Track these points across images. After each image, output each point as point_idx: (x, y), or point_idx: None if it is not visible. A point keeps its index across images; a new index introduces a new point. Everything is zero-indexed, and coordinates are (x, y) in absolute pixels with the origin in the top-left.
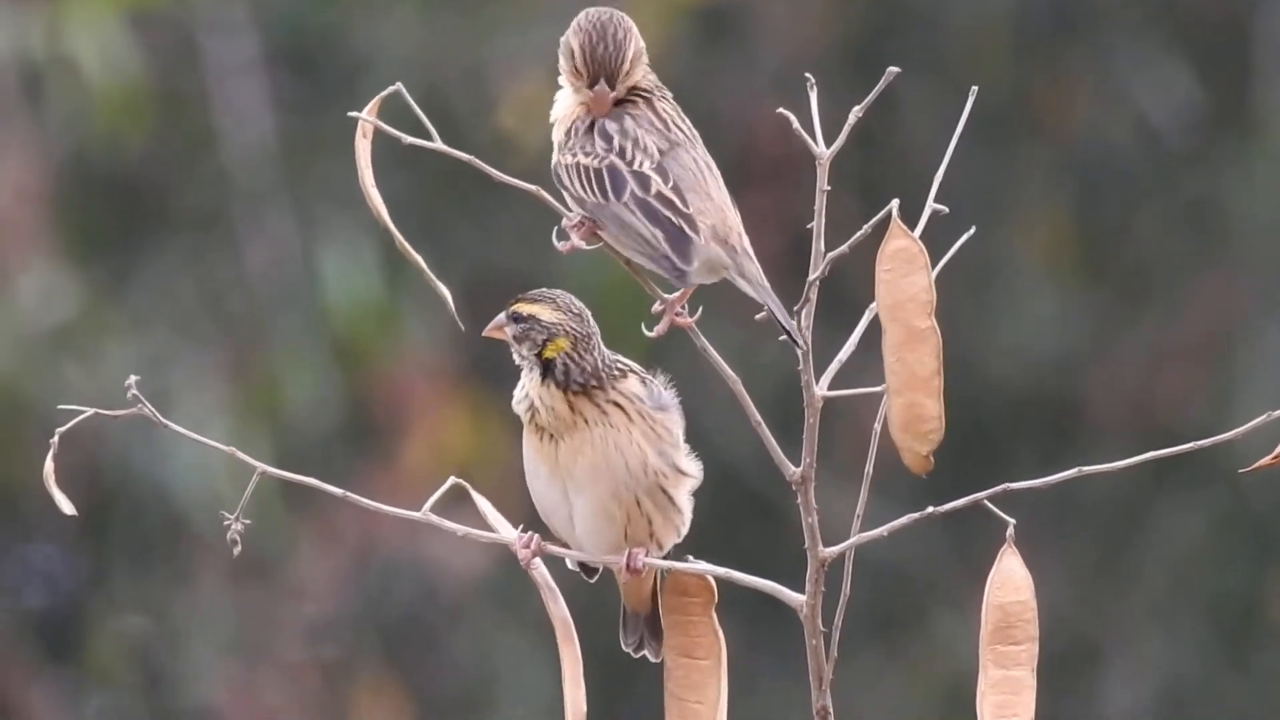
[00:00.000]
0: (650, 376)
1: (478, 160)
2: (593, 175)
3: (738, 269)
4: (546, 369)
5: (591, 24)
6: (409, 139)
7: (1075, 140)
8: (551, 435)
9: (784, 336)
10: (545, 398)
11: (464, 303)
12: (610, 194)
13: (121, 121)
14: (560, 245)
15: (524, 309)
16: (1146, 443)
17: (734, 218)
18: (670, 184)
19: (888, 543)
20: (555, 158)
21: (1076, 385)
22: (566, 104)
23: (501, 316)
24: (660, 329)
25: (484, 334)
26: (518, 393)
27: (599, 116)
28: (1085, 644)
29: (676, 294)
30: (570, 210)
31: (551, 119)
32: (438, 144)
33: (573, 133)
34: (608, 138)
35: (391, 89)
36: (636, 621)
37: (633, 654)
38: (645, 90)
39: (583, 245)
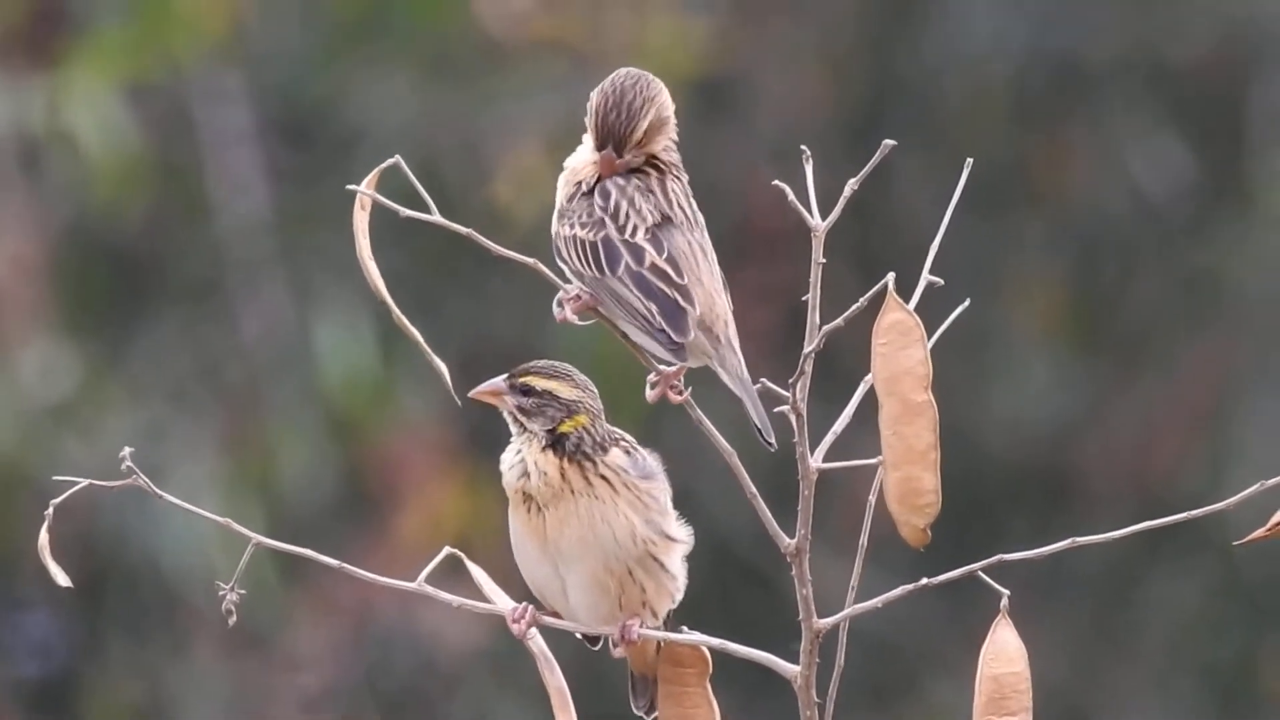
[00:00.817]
0: (635, 445)
1: (476, 234)
2: (588, 249)
3: (719, 359)
4: (557, 442)
5: (614, 87)
6: (406, 212)
7: (1071, 210)
8: (538, 506)
9: (763, 432)
10: (541, 463)
11: (460, 375)
12: (605, 268)
13: (119, 193)
14: (556, 314)
15: (537, 383)
16: (1141, 511)
17: (723, 305)
18: (665, 255)
19: (883, 613)
20: (554, 225)
21: (1072, 454)
22: (583, 157)
23: (500, 383)
24: (653, 397)
25: (473, 395)
26: (508, 458)
27: (605, 178)
28: (1080, 714)
29: (672, 369)
30: (568, 282)
31: (565, 164)
32: (435, 216)
33: (575, 196)
34: (605, 195)
35: (390, 162)
36: (645, 684)
37: (645, 717)
38: (662, 164)
39: (574, 320)
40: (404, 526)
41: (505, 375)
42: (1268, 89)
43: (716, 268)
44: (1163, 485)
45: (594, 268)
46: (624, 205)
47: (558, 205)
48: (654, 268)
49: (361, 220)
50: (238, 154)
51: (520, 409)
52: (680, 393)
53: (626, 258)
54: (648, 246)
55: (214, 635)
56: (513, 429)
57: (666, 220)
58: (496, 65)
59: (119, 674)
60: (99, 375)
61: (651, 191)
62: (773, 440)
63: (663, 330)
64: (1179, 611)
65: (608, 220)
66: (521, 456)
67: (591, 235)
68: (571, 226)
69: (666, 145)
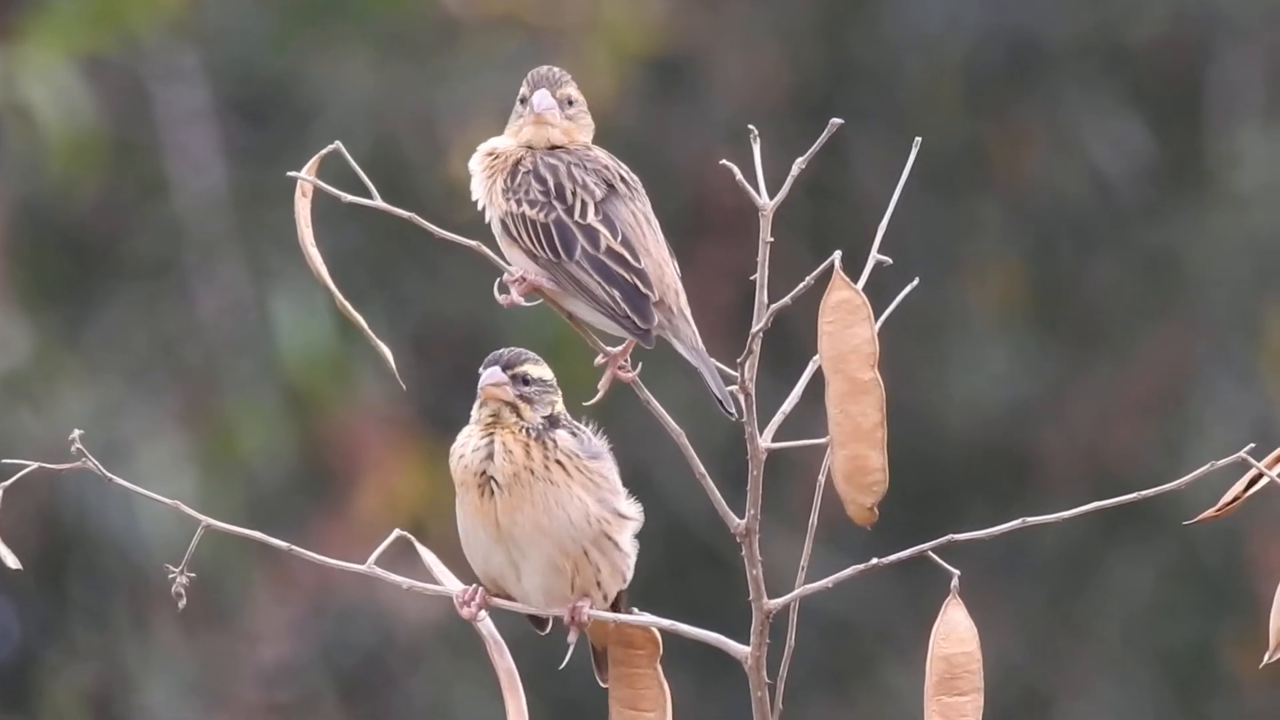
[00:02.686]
0: (579, 425)
1: (418, 217)
2: (540, 230)
3: (673, 330)
4: (550, 425)
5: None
6: (348, 197)
7: (1029, 191)
8: (491, 491)
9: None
10: (509, 443)
11: (413, 350)
12: (561, 252)
13: (75, 169)
14: (501, 299)
15: (533, 371)
16: (1098, 493)
17: (671, 274)
18: (619, 238)
19: (837, 593)
20: (500, 204)
21: (1029, 436)
22: (509, 141)
23: (503, 375)
24: (603, 384)
25: (484, 390)
26: (466, 442)
27: (537, 144)
28: (1036, 695)
29: (618, 348)
30: (510, 264)
31: (481, 148)
32: (377, 202)
33: (518, 174)
34: (543, 179)
35: (330, 148)
36: (606, 656)
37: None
38: (587, 145)
39: (521, 301)
40: (362, 502)
41: (495, 366)
42: (1225, 69)
43: (660, 234)
44: (1120, 467)
45: (549, 250)
46: (567, 184)
47: (497, 184)
48: (610, 252)
49: (304, 207)
50: (194, 131)
51: (523, 398)
52: (628, 372)
53: (582, 242)
54: (601, 228)
55: (175, 612)
56: (502, 419)
57: (611, 190)
58: (452, 42)
59: (80, 652)
60: (56, 351)
61: (589, 165)
62: (733, 410)
63: (628, 317)
64: (1135, 594)
65: (554, 202)
66: (490, 438)
67: (543, 216)
68: (520, 204)
69: (587, 131)
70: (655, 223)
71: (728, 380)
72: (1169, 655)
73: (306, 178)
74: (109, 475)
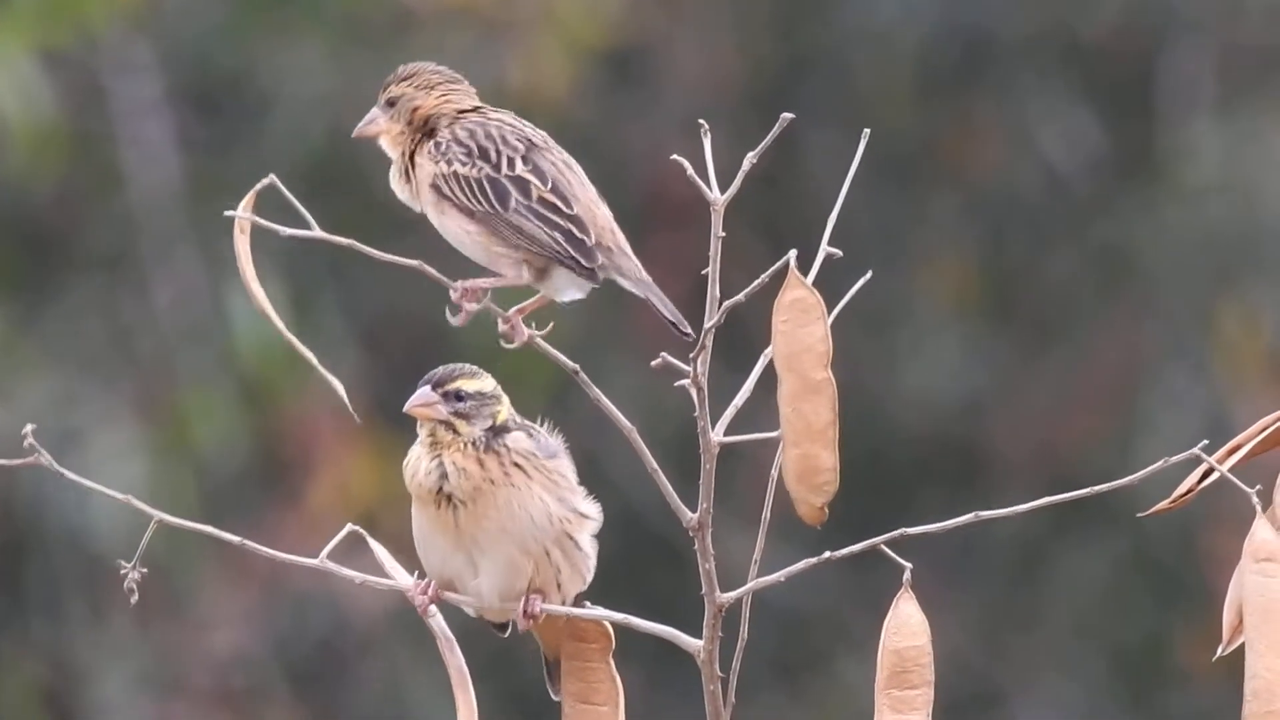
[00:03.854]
0: (533, 426)
1: (357, 244)
2: (473, 185)
3: (615, 268)
4: (496, 434)
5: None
6: (287, 231)
7: (981, 184)
8: (450, 502)
9: (678, 328)
10: (460, 461)
11: (367, 343)
12: (496, 204)
13: (35, 161)
14: (454, 320)
15: (467, 386)
16: (1051, 487)
17: (604, 215)
18: (550, 186)
19: (789, 586)
20: (429, 168)
21: (982, 429)
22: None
23: (430, 393)
24: (519, 339)
25: (409, 410)
26: (422, 464)
27: (419, 121)
28: (989, 688)
29: (516, 307)
30: (454, 284)
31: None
32: (316, 232)
33: (437, 144)
34: (463, 144)
35: (265, 182)
36: (559, 668)
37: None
38: (479, 106)
39: (474, 308)
40: (316, 494)
41: (427, 385)
42: (1176, 62)
43: (584, 178)
44: (1073, 461)
45: (485, 203)
46: (488, 145)
47: (423, 150)
48: (543, 200)
49: (243, 244)
50: (149, 123)
51: (458, 414)
52: (526, 331)
53: (515, 194)
54: (531, 178)
55: (129, 603)
56: (439, 437)
57: (531, 144)
58: (407, 33)
59: (35, 643)
60: (11, 341)
61: (500, 122)
62: (688, 330)
63: (572, 257)
64: (1087, 587)
65: (479, 161)
66: (439, 460)
67: (475, 172)
68: (450, 163)
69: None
70: (578, 167)
71: (678, 375)
72: (1121, 649)
73: (244, 215)
74: (62, 470)
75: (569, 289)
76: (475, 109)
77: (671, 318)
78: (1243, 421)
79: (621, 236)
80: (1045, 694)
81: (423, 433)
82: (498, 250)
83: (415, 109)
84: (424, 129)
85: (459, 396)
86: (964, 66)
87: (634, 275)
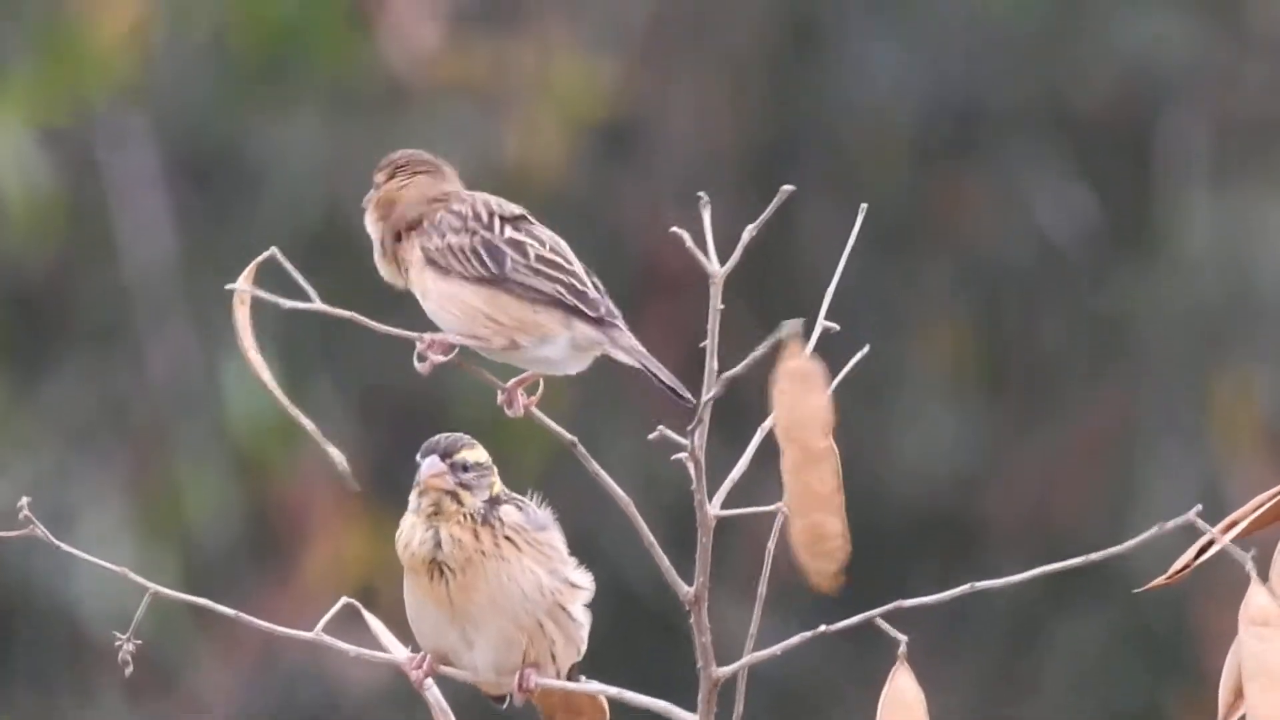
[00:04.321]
0: (522, 499)
1: (358, 316)
2: (470, 253)
3: (611, 341)
4: (492, 506)
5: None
6: (288, 303)
7: (975, 254)
8: (442, 572)
9: (675, 394)
10: (455, 532)
11: (361, 416)
12: (493, 267)
13: (32, 233)
14: (420, 367)
15: (470, 456)
16: (1044, 555)
17: (594, 286)
18: (547, 246)
19: (784, 659)
20: (423, 246)
21: (975, 499)
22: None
23: (442, 465)
24: (516, 410)
25: (425, 482)
26: (416, 534)
27: (384, 208)
28: None
29: (515, 379)
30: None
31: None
32: (317, 304)
33: (432, 220)
34: (457, 214)
35: (266, 254)
36: None
37: None
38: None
39: (440, 358)
40: (310, 568)
41: (434, 455)
42: (1171, 133)
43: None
44: (1066, 530)
45: (484, 267)
46: (482, 211)
47: (412, 236)
48: (541, 259)
49: (242, 315)
50: (144, 195)
51: (462, 485)
52: (527, 399)
53: (511, 254)
54: (528, 239)
55: (119, 677)
56: (442, 507)
57: (521, 217)
58: (402, 106)
59: (24, 717)
60: (4, 416)
61: (486, 199)
62: (689, 397)
63: (576, 308)
64: (1083, 658)
65: (474, 225)
66: (434, 530)
67: (468, 240)
68: (444, 236)
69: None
70: (564, 244)
71: (675, 448)
72: (1115, 719)
73: (244, 288)
74: (59, 543)
75: (569, 360)
76: (445, 196)
77: (670, 384)
78: (1236, 492)
79: (612, 304)
80: None
81: (424, 501)
82: (500, 319)
83: (378, 200)
84: (402, 222)
85: (464, 467)
86: (957, 137)
87: (627, 345)
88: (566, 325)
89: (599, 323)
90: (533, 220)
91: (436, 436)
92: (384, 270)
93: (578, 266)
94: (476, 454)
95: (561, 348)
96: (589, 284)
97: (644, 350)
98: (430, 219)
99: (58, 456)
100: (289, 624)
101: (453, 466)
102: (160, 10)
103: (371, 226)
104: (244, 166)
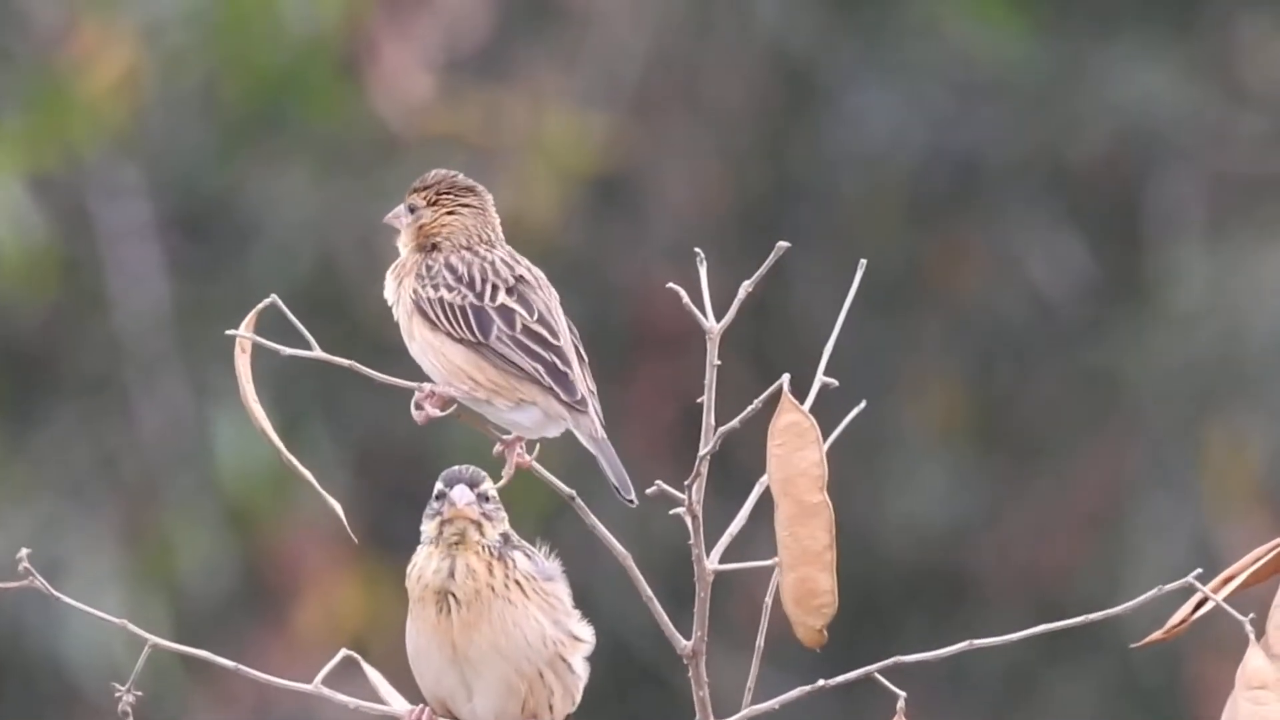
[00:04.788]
0: (531, 548)
1: (358, 365)
2: (457, 312)
3: (575, 423)
4: (506, 544)
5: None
6: (287, 350)
7: (968, 309)
8: (449, 609)
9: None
10: (472, 562)
11: (356, 468)
12: (478, 333)
13: (24, 284)
14: (417, 416)
15: (489, 489)
16: (1037, 611)
17: (578, 365)
18: (536, 317)
19: (780, 713)
20: (416, 290)
21: (969, 554)
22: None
23: (472, 495)
24: (508, 473)
25: (457, 514)
26: (427, 563)
27: (423, 238)
28: None
29: (513, 435)
30: (427, 361)
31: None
32: (317, 353)
33: (430, 267)
34: (453, 269)
35: (267, 302)
36: None
37: None
38: (490, 244)
39: (438, 413)
40: (303, 620)
41: (462, 484)
42: (1164, 188)
43: (568, 329)
44: (1059, 586)
45: (468, 331)
46: (477, 275)
47: (408, 280)
48: (527, 330)
49: (243, 364)
50: (136, 248)
51: (485, 516)
52: (525, 457)
53: (498, 322)
54: (517, 307)
55: None
56: (467, 537)
57: (520, 280)
58: (394, 159)
59: None
60: None
61: (498, 256)
62: (633, 497)
63: (552, 389)
64: (1077, 713)
65: (465, 289)
66: (452, 560)
67: (459, 300)
68: (437, 289)
69: (497, 234)
70: (564, 317)
71: (673, 503)
72: None
73: (245, 334)
74: (57, 594)
75: (539, 427)
76: (469, 248)
77: (616, 482)
78: (1230, 547)
79: (590, 385)
80: None
81: (448, 530)
82: (478, 379)
83: (420, 226)
84: (426, 245)
85: (486, 498)
86: (952, 192)
87: (589, 431)
88: (542, 396)
89: (570, 406)
90: (533, 281)
91: (456, 468)
92: (387, 290)
93: (564, 340)
94: (491, 487)
95: (535, 416)
96: (572, 362)
97: (604, 439)
98: (438, 264)
99: (49, 508)
100: (281, 676)
101: (479, 497)
102: (151, 61)
103: (403, 248)
104: (236, 218)
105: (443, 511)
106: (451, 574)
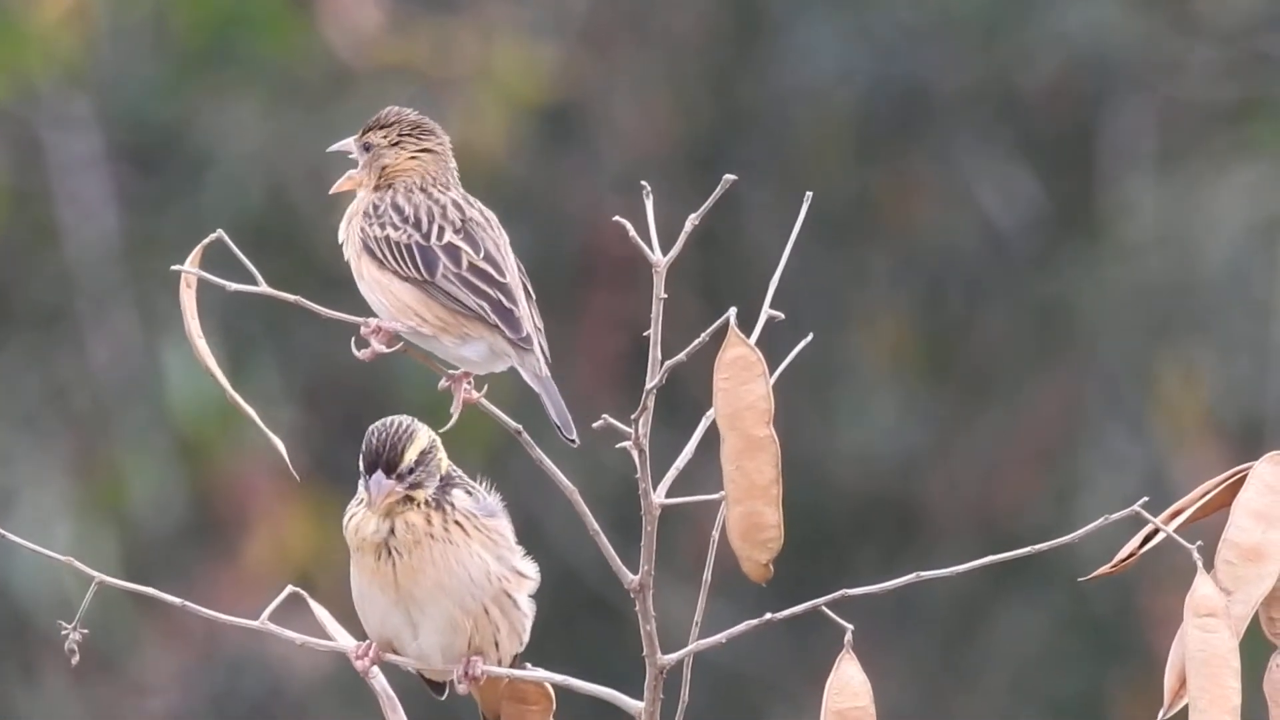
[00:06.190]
0: (473, 484)
1: (304, 300)
2: (403, 250)
3: (520, 361)
4: (444, 489)
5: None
6: (233, 285)
7: (919, 241)
8: (390, 553)
9: (563, 432)
10: (411, 518)
11: (305, 400)
12: (424, 271)
13: None
14: (360, 354)
15: (411, 454)
16: (989, 544)
17: (525, 303)
18: (482, 254)
19: (728, 647)
20: (363, 229)
21: (919, 487)
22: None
23: (390, 483)
24: (455, 408)
25: (375, 509)
26: (364, 523)
27: (383, 180)
28: None
29: (460, 370)
30: (373, 293)
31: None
32: (263, 288)
33: (377, 206)
34: (399, 209)
35: (213, 237)
36: None
37: None
38: (441, 182)
39: (383, 349)
40: (252, 552)
41: (375, 470)
42: (1116, 118)
43: (516, 267)
44: (1010, 518)
45: (414, 269)
46: (424, 216)
47: (357, 220)
48: (473, 268)
49: (189, 299)
50: (87, 179)
51: (413, 486)
52: (473, 393)
53: (444, 260)
54: (463, 245)
55: (64, 661)
56: (394, 510)
57: (470, 220)
58: (344, 90)
59: None
60: None
61: (444, 202)
62: (574, 437)
63: (497, 326)
64: (1025, 644)
65: (410, 229)
66: (391, 519)
67: (405, 239)
68: (384, 227)
69: (450, 171)
70: (510, 251)
71: (620, 436)
72: (1060, 707)
73: (190, 270)
74: (4, 532)
75: (487, 362)
76: (423, 189)
77: (559, 421)
78: (1181, 478)
79: (537, 321)
80: None
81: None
82: (425, 316)
83: (384, 167)
84: (383, 185)
85: (410, 470)
86: (901, 123)
87: (533, 369)
88: (489, 333)
89: (516, 343)
90: (483, 222)
91: (375, 439)
92: (342, 231)
93: (511, 278)
94: (419, 443)
95: (481, 351)
96: (518, 299)
97: (548, 377)
98: (385, 203)
99: (0, 439)
100: (231, 608)
101: (399, 476)
102: None
103: (359, 186)
104: (187, 150)
105: (366, 498)
106: (392, 531)
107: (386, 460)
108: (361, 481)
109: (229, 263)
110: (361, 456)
